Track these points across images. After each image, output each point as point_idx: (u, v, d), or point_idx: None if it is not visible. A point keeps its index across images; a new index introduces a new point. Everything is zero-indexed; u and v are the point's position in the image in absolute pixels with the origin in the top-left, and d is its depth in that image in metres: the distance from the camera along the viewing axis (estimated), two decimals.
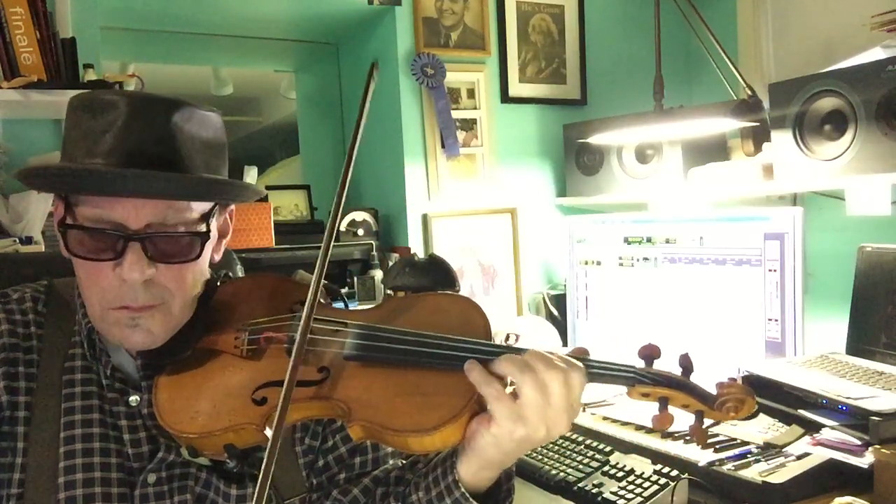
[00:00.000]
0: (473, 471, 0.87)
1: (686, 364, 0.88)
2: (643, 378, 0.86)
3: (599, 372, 0.87)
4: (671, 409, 0.86)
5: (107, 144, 0.84)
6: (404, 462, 1.06)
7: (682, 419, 0.88)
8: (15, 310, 0.95)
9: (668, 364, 0.89)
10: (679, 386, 0.86)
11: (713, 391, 0.86)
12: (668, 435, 1.47)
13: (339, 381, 0.88)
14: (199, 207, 0.90)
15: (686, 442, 1.43)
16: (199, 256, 0.91)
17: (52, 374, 0.93)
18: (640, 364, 0.88)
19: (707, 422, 0.87)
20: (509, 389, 0.84)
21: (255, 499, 0.72)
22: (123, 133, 0.84)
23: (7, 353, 0.92)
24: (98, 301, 0.88)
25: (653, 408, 0.87)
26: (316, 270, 0.86)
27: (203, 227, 0.91)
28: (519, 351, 0.87)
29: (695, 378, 0.88)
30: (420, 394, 0.85)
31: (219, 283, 1.02)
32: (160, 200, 0.86)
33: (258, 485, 0.73)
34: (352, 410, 0.85)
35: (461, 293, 2.28)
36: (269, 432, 0.85)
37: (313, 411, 0.89)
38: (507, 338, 2.20)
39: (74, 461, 0.90)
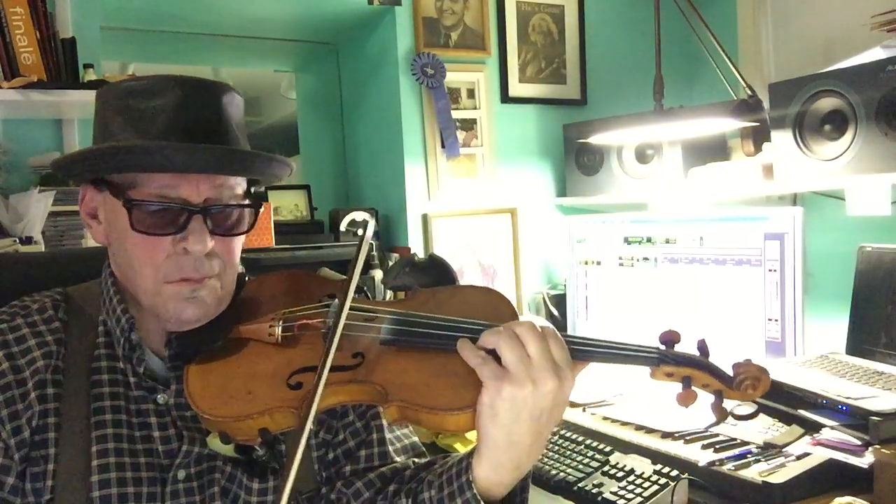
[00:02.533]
0: (486, 470, 0.87)
1: (703, 348, 0.92)
2: (668, 359, 0.90)
3: (627, 353, 0.90)
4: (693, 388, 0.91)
5: (163, 124, 0.88)
6: (419, 462, 1.06)
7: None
8: (38, 321, 0.96)
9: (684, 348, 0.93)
10: (701, 366, 0.90)
11: (730, 372, 0.90)
12: (668, 435, 1.47)
13: (374, 365, 0.90)
14: (242, 184, 0.96)
15: (686, 442, 1.43)
16: (250, 228, 0.96)
17: (79, 378, 0.94)
18: (662, 347, 0.92)
19: (726, 401, 0.91)
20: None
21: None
22: (180, 113, 0.88)
23: (37, 364, 0.92)
24: (153, 276, 0.91)
25: (675, 387, 0.91)
26: (354, 257, 0.90)
27: (248, 202, 0.96)
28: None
29: (711, 359, 0.92)
30: (455, 374, 0.87)
31: (246, 278, 1.05)
32: (216, 177, 0.91)
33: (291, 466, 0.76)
34: (388, 392, 0.87)
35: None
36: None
37: (350, 395, 0.90)
38: None
39: (108, 460, 0.90)
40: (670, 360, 0.90)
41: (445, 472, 0.92)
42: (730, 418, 1.41)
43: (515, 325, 0.86)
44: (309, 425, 0.79)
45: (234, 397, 0.88)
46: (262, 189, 2.50)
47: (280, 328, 0.94)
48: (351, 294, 0.88)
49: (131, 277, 0.93)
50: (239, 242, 0.97)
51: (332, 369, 0.86)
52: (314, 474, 1.02)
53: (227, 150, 0.90)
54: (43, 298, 0.99)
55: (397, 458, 1.06)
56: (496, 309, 0.96)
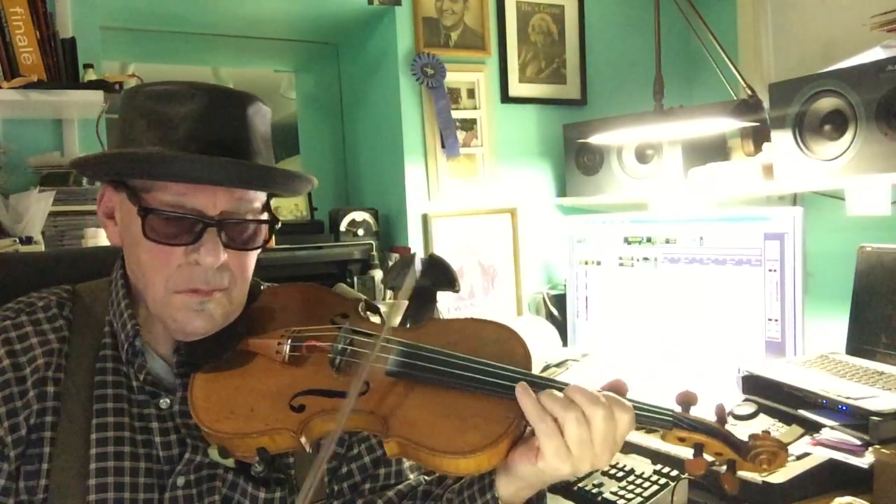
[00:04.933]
0: (512, 492, 0.88)
1: (720, 414, 0.88)
2: (682, 423, 0.87)
3: (638, 413, 0.87)
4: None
5: (185, 133, 0.87)
6: (429, 478, 1.06)
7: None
8: (42, 319, 0.95)
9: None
10: (715, 434, 0.87)
11: (746, 440, 0.87)
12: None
13: (378, 396, 0.88)
14: (261, 198, 0.94)
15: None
16: (265, 243, 0.95)
17: (81, 378, 0.93)
18: (677, 409, 0.89)
19: (738, 471, 0.88)
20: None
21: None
22: (203, 122, 0.87)
23: (38, 362, 0.92)
24: (163, 285, 0.90)
25: (687, 452, 0.88)
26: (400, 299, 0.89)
27: (266, 216, 0.95)
28: (560, 385, 0.87)
29: (728, 426, 0.89)
30: (459, 416, 0.85)
31: (262, 288, 1.04)
32: (235, 190, 0.89)
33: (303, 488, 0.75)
34: (390, 426, 0.86)
35: (461, 294, 2.29)
36: (304, 439, 0.86)
37: (352, 424, 0.89)
38: None
39: (107, 464, 0.90)
40: (684, 424, 0.87)
41: (466, 490, 0.93)
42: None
43: (586, 402, 0.83)
44: (324, 465, 0.78)
45: (235, 413, 0.87)
46: None
47: (288, 347, 0.92)
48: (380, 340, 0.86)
49: (142, 283, 0.93)
50: (252, 256, 0.96)
51: (335, 395, 0.86)
52: (323, 486, 1.01)
53: (245, 165, 0.89)
54: (49, 296, 0.99)
55: (410, 475, 1.06)
56: (510, 347, 0.94)
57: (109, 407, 0.92)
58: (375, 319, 1.02)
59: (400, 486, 1.04)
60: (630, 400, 0.87)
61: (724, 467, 0.87)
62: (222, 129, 0.88)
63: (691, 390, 0.89)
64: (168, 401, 0.94)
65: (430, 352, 0.91)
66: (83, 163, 0.91)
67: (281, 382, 0.91)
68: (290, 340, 0.93)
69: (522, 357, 0.92)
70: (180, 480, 0.92)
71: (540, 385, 0.87)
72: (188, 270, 0.89)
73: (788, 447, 1.33)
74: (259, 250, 0.96)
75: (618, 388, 0.88)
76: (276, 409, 0.88)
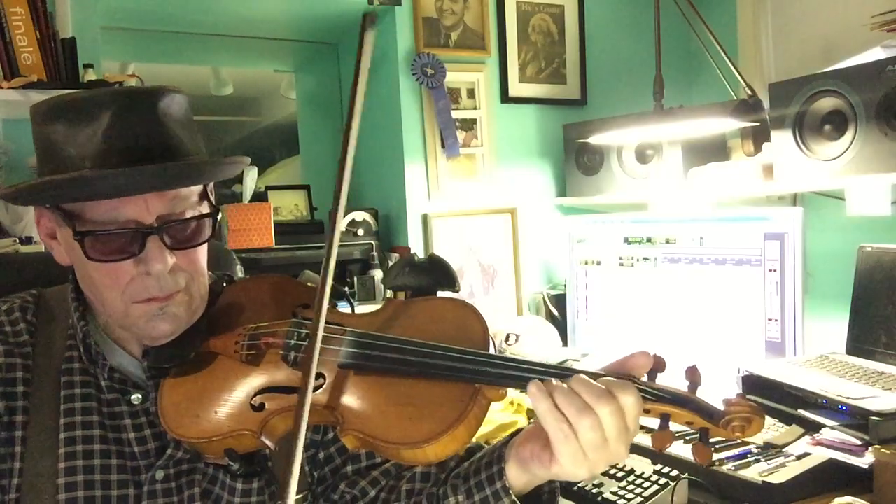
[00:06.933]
0: (525, 482, 0.87)
1: (693, 378, 0.82)
2: (643, 393, 0.81)
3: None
4: (674, 426, 0.82)
5: (101, 145, 0.84)
6: None
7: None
8: (4, 321, 0.95)
9: (675, 376, 0.84)
10: (682, 403, 0.80)
11: (720, 407, 0.80)
12: None
13: (333, 389, 0.86)
14: (197, 189, 0.91)
15: (686, 442, 1.43)
16: (213, 234, 0.93)
17: (49, 379, 0.93)
18: (643, 378, 0.83)
19: (713, 440, 0.81)
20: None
21: None
22: (117, 131, 0.84)
23: (3, 359, 0.92)
24: (120, 299, 0.88)
25: (654, 424, 0.82)
26: (320, 285, 0.85)
27: (206, 208, 0.92)
28: (563, 372, 0.82)
29: (701, 390, 0.82)
30: (413, 405, 0.83)
31: (224, 285, 1.02)
32: (167, 192, 0.87)
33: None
34: (345, 420, 0.84)
35: (461, 294, 2.29)
36: (265, 439, 0.85)
37: (309, 419, 0.86)
38: (507, 338, 2.20)
39: (75, 463, 0.90)
40: (646, 394, 0.80)
41: (473, 476, 0.90)
42: None
43: (595, 403, 0.77)
44: (297, 466, 0.76)
45: (200, 417, 0.87)
46: (262, 189, 2.50)
47: (245, 345, 0.91)
48: (322, 323, 0.82)
49: (98, 299, 0.92)
50: (203, 250, 0.93)
51: (289, 391, 0.85)
52: (304, 476, 1.01)
53: (169, 166, 0.85)
54: (13, 300, 0.98)
55: None
56: (466, 327, 0.90)
57: (77, 406, 0.92)
58: (343, 307, 0.99)
59: (387, 466, 1.02)
60: (583, 371, 0.82)
61: (697, 436, 0.81)
62: (138, 134, 0.85)
63: (659, 355, 0.83)
64: (139, 396, 0.94)
65: (382, 340, 0.88)
66: (13, 197, 0.89)
67: (241, 382, 0.89)
68: (246, 338, 0.91)
69: (480, 335, 0.89)
70: (159, 474, 0.92)
71: (535, 372, 0.82)
72: (141, 281, 0.87)
73: (788, 447, 1.34)
74: (206, 244, 0.93)
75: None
76: (238, 409, 0.87)
